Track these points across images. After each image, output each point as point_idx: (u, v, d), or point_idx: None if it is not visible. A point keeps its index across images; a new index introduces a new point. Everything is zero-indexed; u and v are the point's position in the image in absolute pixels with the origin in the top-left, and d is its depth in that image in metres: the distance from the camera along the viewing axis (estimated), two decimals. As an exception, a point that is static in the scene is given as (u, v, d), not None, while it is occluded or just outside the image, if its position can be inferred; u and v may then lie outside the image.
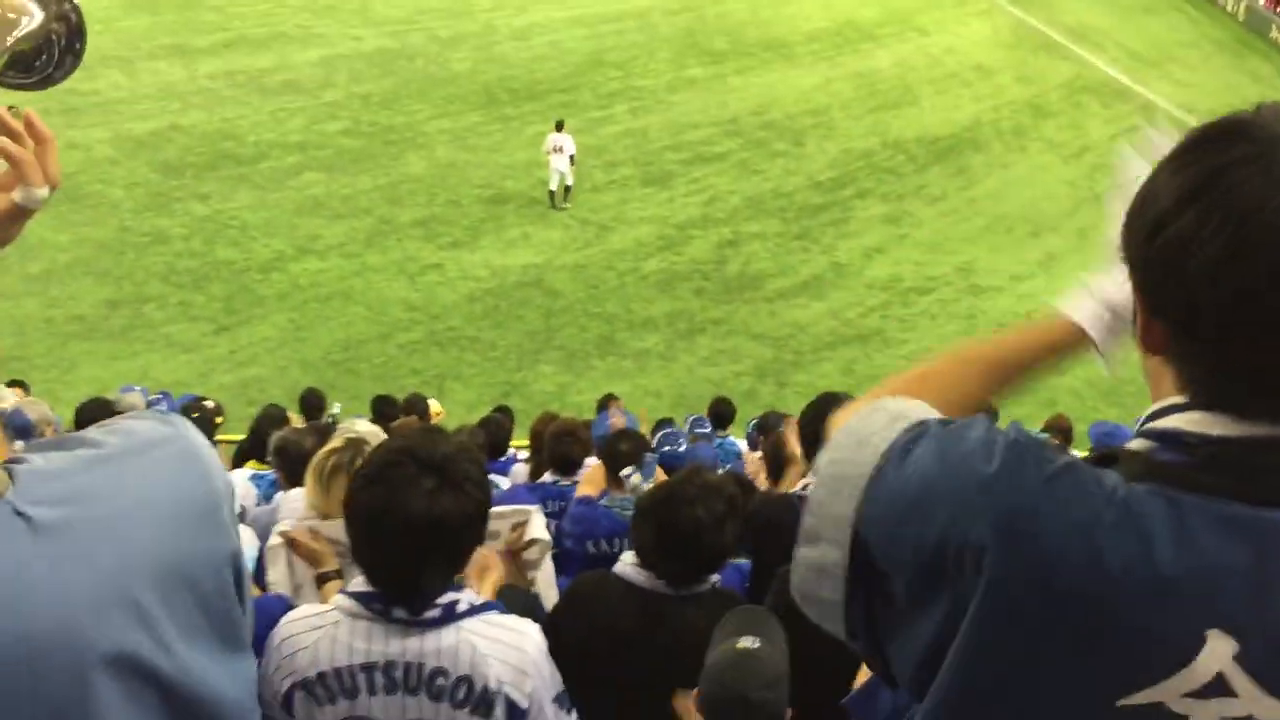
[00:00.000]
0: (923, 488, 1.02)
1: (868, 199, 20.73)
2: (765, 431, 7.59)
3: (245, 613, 0.90)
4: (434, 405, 9.07)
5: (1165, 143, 1.26)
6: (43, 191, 1.03)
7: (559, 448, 5.14)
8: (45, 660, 0.72)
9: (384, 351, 14.17)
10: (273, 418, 7.47)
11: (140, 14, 22.41)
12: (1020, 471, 0.98)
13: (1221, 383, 0.97)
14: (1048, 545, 0.93)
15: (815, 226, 19.38)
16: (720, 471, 5.96)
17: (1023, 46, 29.90)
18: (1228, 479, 0.94)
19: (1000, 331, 1.36)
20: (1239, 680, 0.90)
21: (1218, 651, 0.90)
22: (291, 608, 2.30)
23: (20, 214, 1.02)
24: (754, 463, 6.08)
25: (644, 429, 7.06)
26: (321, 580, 2.77)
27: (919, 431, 1.07)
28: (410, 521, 1.93)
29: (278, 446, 4.83)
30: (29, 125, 1.04)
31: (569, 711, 2.15)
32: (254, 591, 3.27)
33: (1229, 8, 34.67)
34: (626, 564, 2.74)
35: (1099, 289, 1.35)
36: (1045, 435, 8.49)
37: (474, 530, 2.06)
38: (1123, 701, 0.92)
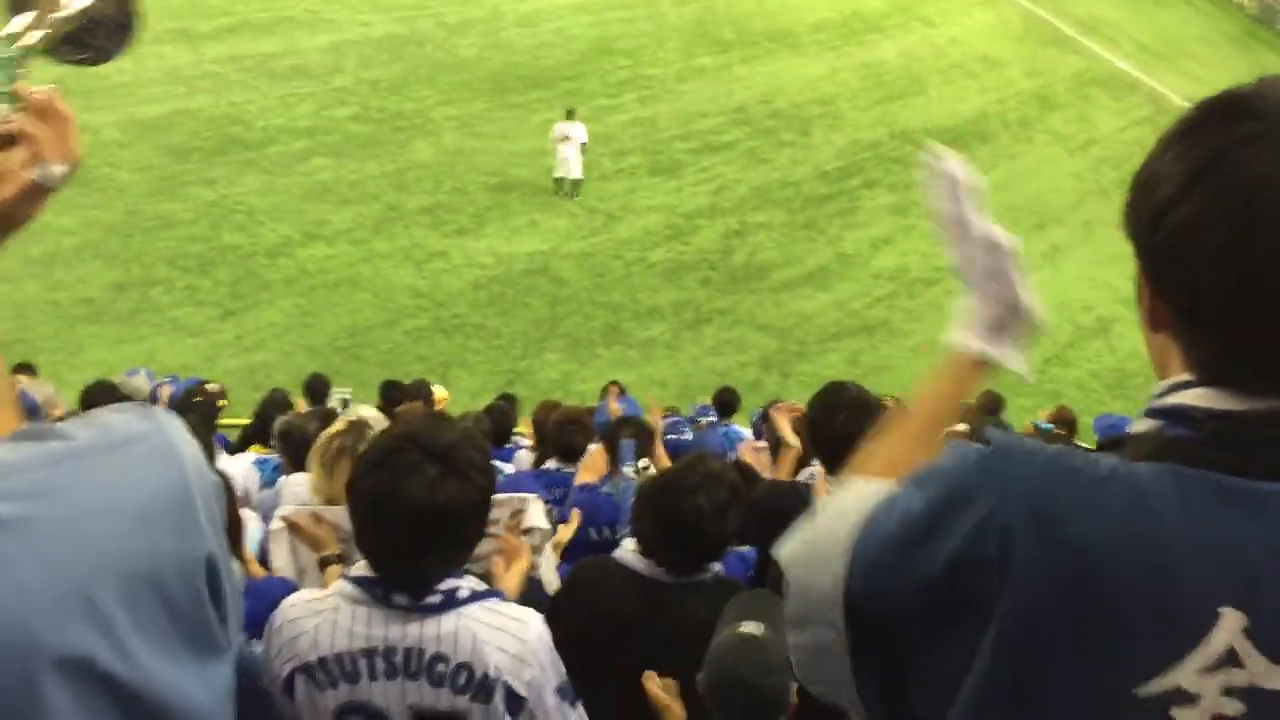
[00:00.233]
0: (920, 516, 1.01)
1: (875, 189, 20.69)
2: (769, 421, 7.59)
3: (228, 614, 0.87)
4: (439, 391, 9.09)
5: (957, 172, 1.32)
6: (60, 169, 1.02)
7: (562, 436, 5.16)
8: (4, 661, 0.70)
9: (390, 338, 14.18)
10: (277, 402, 7.50)
11: (148, -2, 22.40)
12: (1019, 463, 0.98)
13: (1225, 364, 0.98)
14: (1066, 531, 0.94)
15: (822, 217, 19.35)
16: (729, 458, 5.97)
17: (1031, 38, 29.78)
18: (1229, 452, 0.95)
19: (918, 390, 1.39)
20: (1247, 652, 0.91)
21: (1229, 626, 0.90)
22: (296, 591, 2.31)
23: (38, 192, 1.02)
24: (749, 451, 6.09)
25: (655, 416, 7.10)
26: (324, 564, 2.78)
27: (893, 491, 1.08)
28: (413, 508, 1.93)
29: (281, 431, 4.85)
30: (48, 103, 1.03)
31: (573, 704, 2.14)
32: (259, 573, 3.29)
33: (1239, 0, 34.48)
34: (627, 550, 2.75)
35: (974, 314, 1.37)
36: (1050, 427, 8.51)
37: (477, 518, 2.07)
38: (1143, 690, 0.92)
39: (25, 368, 9.87)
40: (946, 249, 1.17)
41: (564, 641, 2.19)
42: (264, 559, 3.43)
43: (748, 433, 8.93)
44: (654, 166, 20.04)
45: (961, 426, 6.98)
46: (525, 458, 6.74)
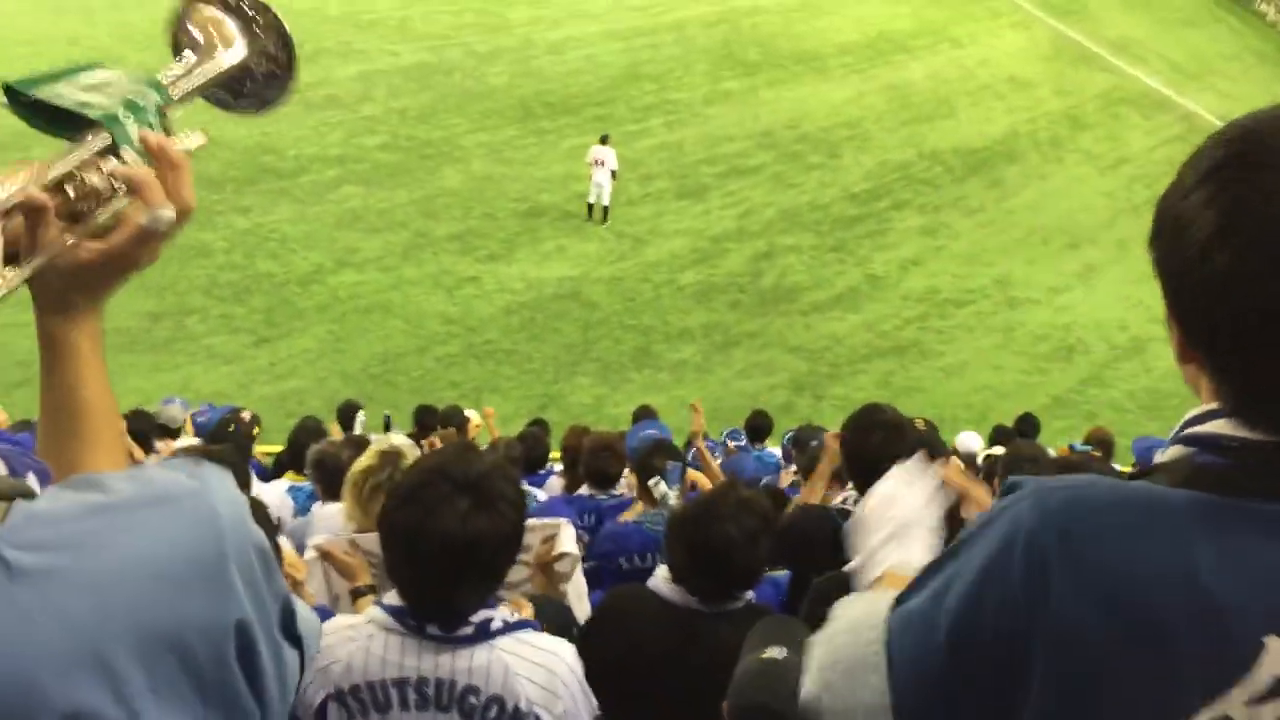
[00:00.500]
0: (961, 597, 1.01)
1: (904, 210, 20.65)
2: (800, 445, 7.55)
3: (260, 677, 0.85)
4: (474, 417, 9.09)
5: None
6: (169, 214, 1.04)
7: (596, 462, 5.14)
8: (2, 711, 0.69)
9: (421, 364, 14.26)
10: (310, 429, 7.52)
11: (183, 31, 22.75)
12: (1048, 500, 0.98)
13: (1249, 400, 0.97)
14: (1105, 563, 0.93)
15: (851, 239, 19.32)
16: (764, 481, 5.95)
17: (1061, 58, 29.69)
18: (1261, 480, 0.94)
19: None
20: None
21: (1275, 655, 0.89)
22: (331, 618, 2.31)
23: (150, 236, 1.04)
24: (789, 477, 6.05)
25: (699, 421, 7.10)
26: (356, 595, 2.78)
27: (911, 588, 1.08)
28: (445, 543, 1.93)
29: (315, 459, 4.87)
30: (161, 150, 1.05)
31: None
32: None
33: (1270, 19, 34.24)
34: (660, 579, 2.73)
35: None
36: (1086, 448, 8.41)
37: (509, 549, 2.06)
38: None
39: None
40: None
41: (597, 672, 2.17)
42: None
43: (778, 452, 8.91)
44: (681, 190, 20.09)
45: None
46: (557, 484, 6.73)
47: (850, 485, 3.67)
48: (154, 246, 1.06)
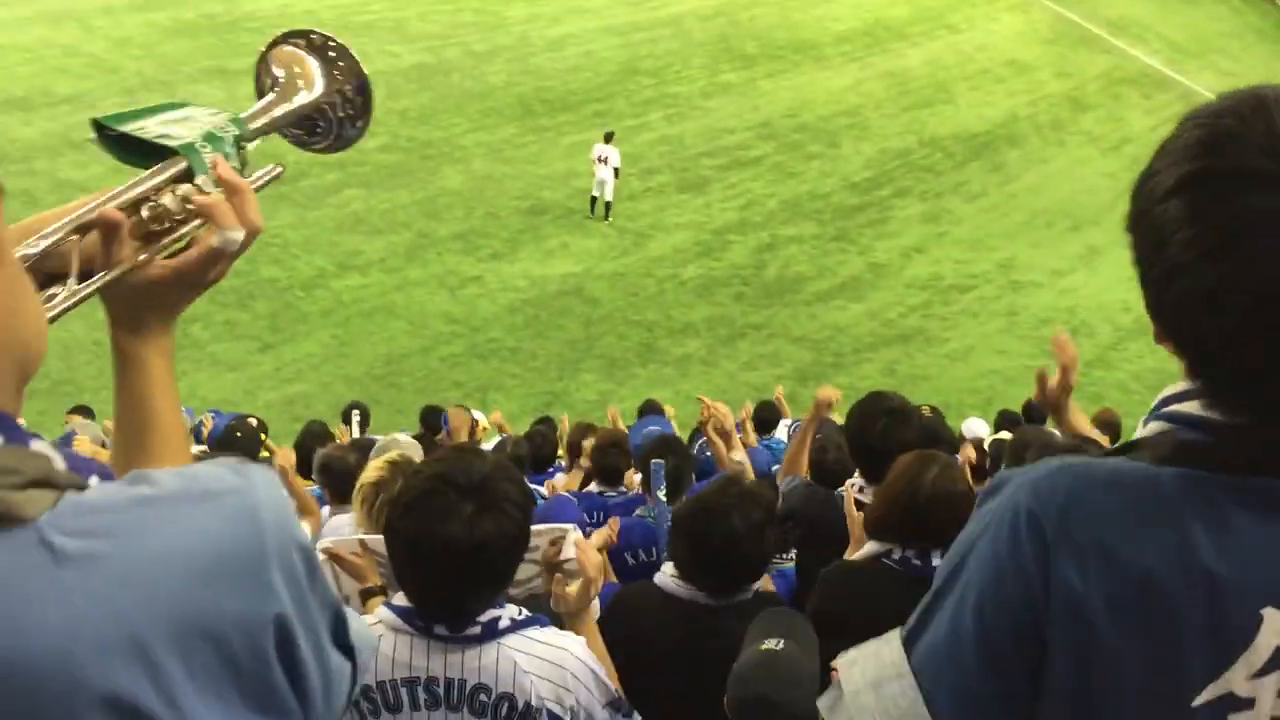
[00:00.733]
0: (979, 598, 1.01)
1: (906, 198, 20.62)
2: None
3: (304, 679, 0.86)
4: (480, 418, 9.06)
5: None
6: (237, 235, 1.11)
7: (604, 459, 5.14)
8: (41, 693, 0.71)
9: (426, 365, 14.27)
10: (315, 434, 7.54)
11: (180, 38, 22.75)
12: (1042, 491, 0.99)
13: (1228, 394, 0.97)
14: (1102, 544, 0.94)
15: (853, 228, 19.30)
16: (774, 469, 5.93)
17: (1060, 41, 29.61)
18: (1248, 454, 0.94)
19: None
20: None
21: (1274, 625, 0.90)
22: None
23: (219, 256, 1.12)
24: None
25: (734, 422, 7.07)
26: (365, 597, 2.79)
27: (918, 624, 1.09)
28: (451, 548, 1.93)
29: (321, 464, 4.87)
30: (225, 177, 1.12)
31: (627, 716, 2.16)
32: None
33: (1270, -7, 34.14)
34: (666, 575, 2.74)
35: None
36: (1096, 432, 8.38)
37: (516, 550, 2.07)
38: (1199, 699, 0.92)
39: (82, 409, 10.01)
40: None
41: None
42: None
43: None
44: (682, 184, 20.08)
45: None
46: (561, 480, 6.74)
47: (857, 474, 3.67)
48: (222, 266, 1.14)
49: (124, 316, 1.13)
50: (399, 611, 2.05)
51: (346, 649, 0.96)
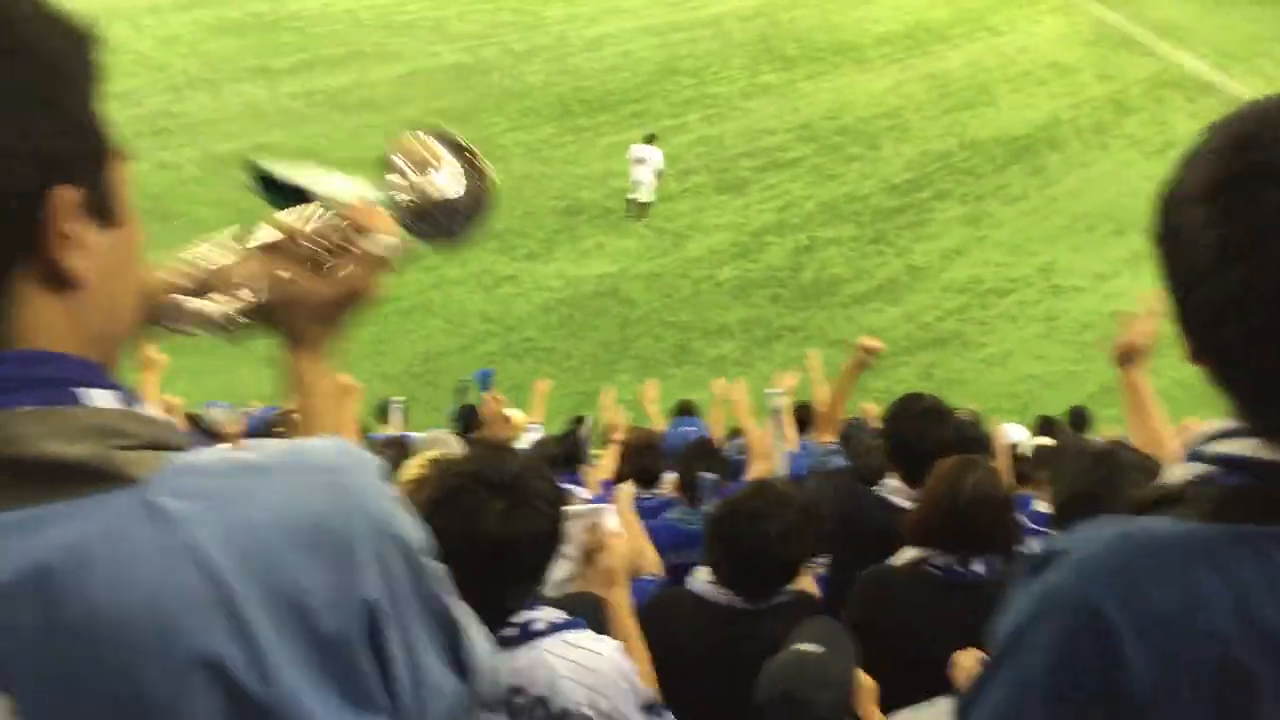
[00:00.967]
0: (1038, 705, 0.95)
1: (945, 200, 20.46)
2: (845, 438, 7.50)
3: (394, 679, 0.85)
4: (516, 415, 9.08)
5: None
6: (394, 239, 1.20)
7: (640, 460, 5.14)
8: (139, 648, 0.74)
9: (462, 363, 14.33)
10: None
11: (225, 37, 23.01)
12: (1093, 577, 0.93)
13: (1264, 419, 0.94)
14: (1171, 624, 0.89)
15: (891, 230, 19.18)
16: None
17: (1103, 43, 29.28)
18: None
19: None
20: None
21: None
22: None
23: (377, 264, 1.20)
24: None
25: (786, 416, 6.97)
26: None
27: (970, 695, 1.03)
28: (483, 547, 1.93)
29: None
30: (362, 208, 1.21)
31: (661, 716, 2.15)
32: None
33: (1320, -5, 33.58)
34: (701, 580, 2.73)
35: None
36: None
37: (549, 547, 2.07)
38: None
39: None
40: None
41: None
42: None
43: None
44: (720, 185, 20.04)
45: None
46: (592, 477, 6.72)
47: (894, 474, 3.64)
48: (378, 278, 1.21)
49: (291, 335, 1.20)
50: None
51: (460, 666, 0.95)
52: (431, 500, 2.03)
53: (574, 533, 2.91)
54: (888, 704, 2.29)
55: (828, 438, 4.48)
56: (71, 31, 0.81)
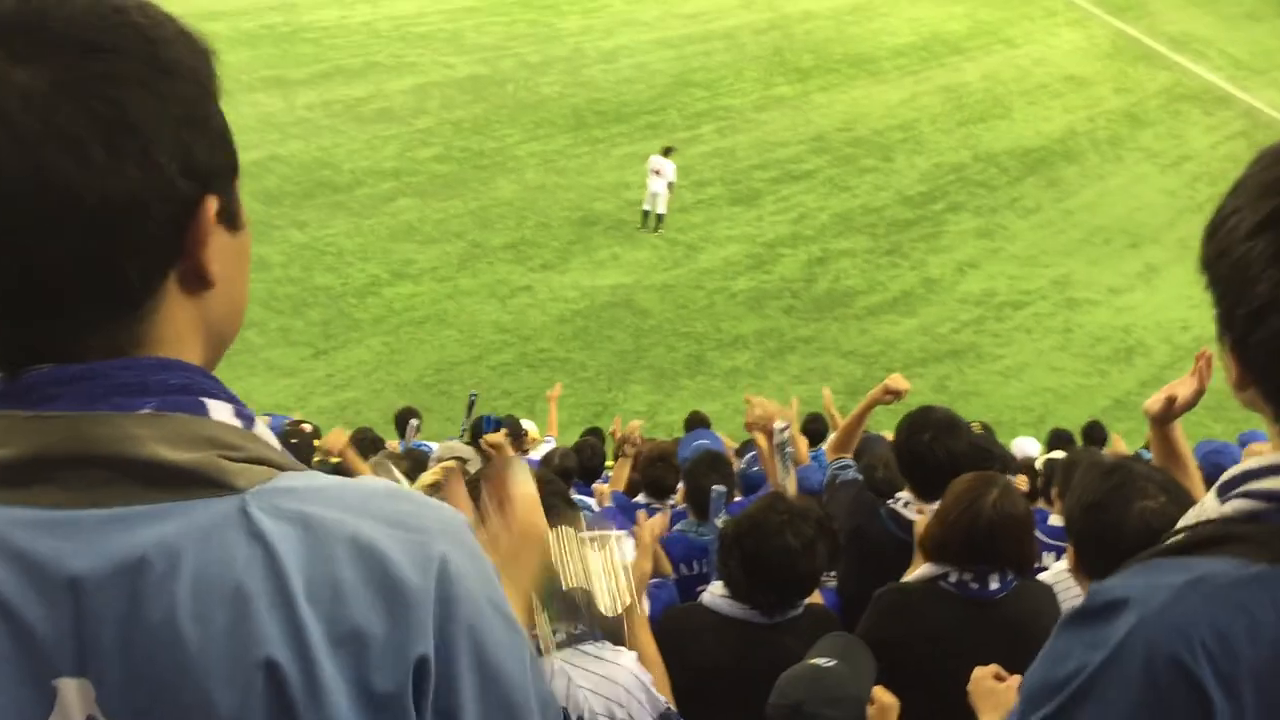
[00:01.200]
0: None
1: (960, 213, 20.44)
2: (858, 452, 7.48)
3: None
4: (531, 428, 9.12)
5: None
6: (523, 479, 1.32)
7: (653, 472, 5.15)
8: (211, 649, 0.77)
9: (476, 373, 14.36)
10: (366, 440, 7.61)
11: (241, 48, 23.14)
12: (1172, 627, 0.91)
13: None
14: (1257, 668, 0.88)
15: (905, 242, 19.16)
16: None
17: (1119, 56, 29.23)
18: None
19: None
20: None
21: None
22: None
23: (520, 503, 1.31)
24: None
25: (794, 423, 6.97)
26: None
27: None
28: None
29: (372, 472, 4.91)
30: (495, 443, 1.34)
31: None
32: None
33: (1338, 8, 33.48)
34: (716, 595, 2.72)
35: None
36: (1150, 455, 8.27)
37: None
38: None
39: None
40: None
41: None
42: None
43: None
44: (734, 196, 20.06)
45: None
46: (604, 490, 6.72)
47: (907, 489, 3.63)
48: (540, 517, 1.30)
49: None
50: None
51: None
52: None
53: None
54: (901, 720, 2.28)
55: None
56: (203, 49, 0.89)
